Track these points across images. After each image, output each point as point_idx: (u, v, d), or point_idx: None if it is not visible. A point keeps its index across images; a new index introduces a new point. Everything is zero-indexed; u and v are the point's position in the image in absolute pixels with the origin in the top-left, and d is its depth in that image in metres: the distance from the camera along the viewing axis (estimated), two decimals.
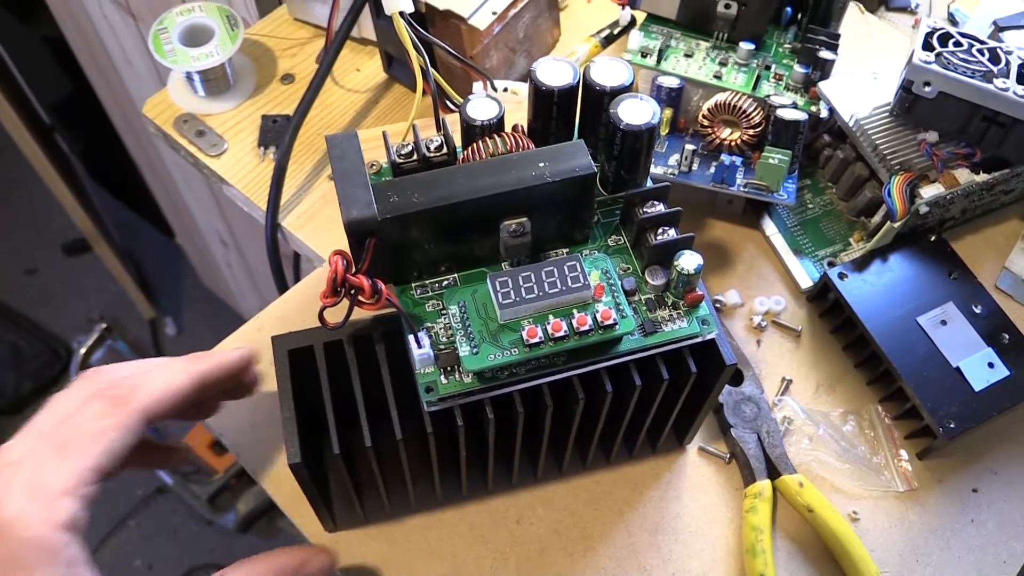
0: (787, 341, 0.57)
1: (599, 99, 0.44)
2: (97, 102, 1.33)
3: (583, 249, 0.44)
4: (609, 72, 0.44)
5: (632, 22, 0.71)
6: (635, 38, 0.62)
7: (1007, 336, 0.54)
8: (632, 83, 0.44)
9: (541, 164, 0.40)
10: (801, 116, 0.56)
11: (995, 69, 0.53)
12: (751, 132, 0.57)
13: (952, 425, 0.51)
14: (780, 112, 0.57)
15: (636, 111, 0.42)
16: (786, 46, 0.63)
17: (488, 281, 0.40)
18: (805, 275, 0.59)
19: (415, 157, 0.43)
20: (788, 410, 0.54)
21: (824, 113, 0.59)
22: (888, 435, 0.54)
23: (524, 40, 0.66)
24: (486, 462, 0.47)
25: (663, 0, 0.63)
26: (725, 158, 0.56)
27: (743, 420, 0.53)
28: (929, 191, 0.55)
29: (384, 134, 0.43)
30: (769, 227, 0.61)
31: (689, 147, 0.57)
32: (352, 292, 0.38)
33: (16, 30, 1.38)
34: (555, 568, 0.49)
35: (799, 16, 0.64)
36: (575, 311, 0.40)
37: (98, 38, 1.07)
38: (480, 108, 0.43)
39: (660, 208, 0.43)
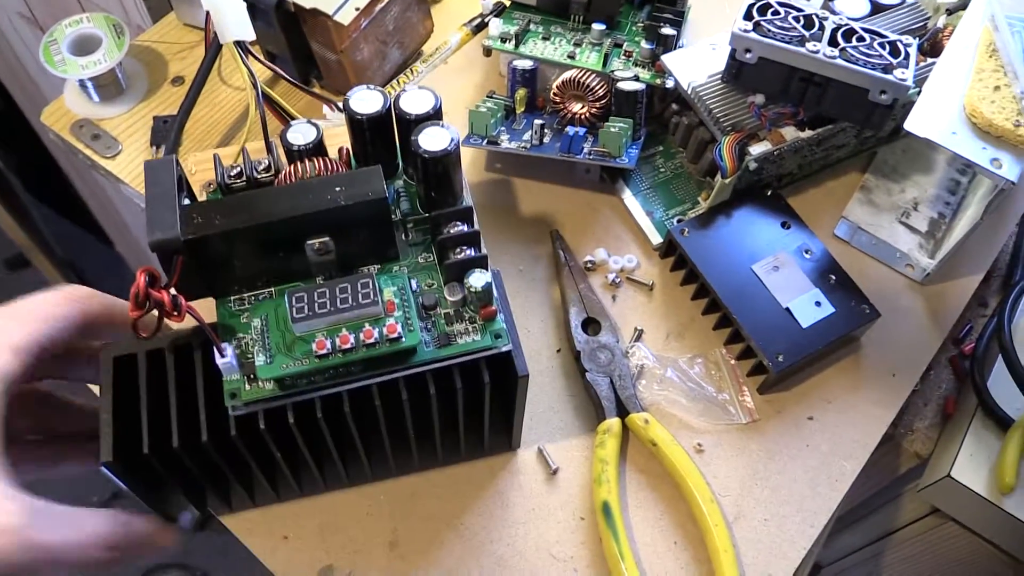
0: (640, 295, 0.62)
1: (408, 126, 0.47)
2: (25, 117, 1.36)
3: (394, 265, 0.47)
4: (417, 101, 0.47)
5: (502, 9, 0.76)
6: (495, 25, 0.67)
7: (833, 277, 0.60)
8: (438, 109, 0.47)
9: (337, 188, 0.42)
10: (638, 87, 0.62)
11: (807, 34, 0.58)
12: (597, 105, 0.62)
13: (781, 359, 0.56)
14: (620, 84, 0.62)
15: (436, 138, 0.45)
16: (639, 24, 0.68)
17: (285, 297, 0.43)
18: (656, 233, 0.64)
19: (243, 178, 0.46)
20: (640, 356, 0.59)
21: (670, 84, 0.65)
22: (732, 374, 0.59)
23: (395, 32, 0.70)
24: (330, 458, 0.51)
25: None
26: (570, 129, 0.61)
27: (598, 365, 0.58)
28: (757, 148, 0.60)
29: (215, 157, 0.47)
30: (625, 192, 0.66)
31: (538, 122, 0.62)
32: (159, 306, 0.41)
33: None
34: (428, 510, 0.54)
35: None
36: (366, 324, 0.43)
37: (13, 52, 1.10)
38: (298, 133, 0.46)
39: (463, 228, 0.46)
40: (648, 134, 0.66)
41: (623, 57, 0.66)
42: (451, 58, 0.73)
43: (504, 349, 0.45)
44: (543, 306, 0.62)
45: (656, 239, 0.63)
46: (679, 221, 0.63)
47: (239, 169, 0.47)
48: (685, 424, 0.57)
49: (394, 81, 0.72)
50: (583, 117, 0.63)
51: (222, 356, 0.42)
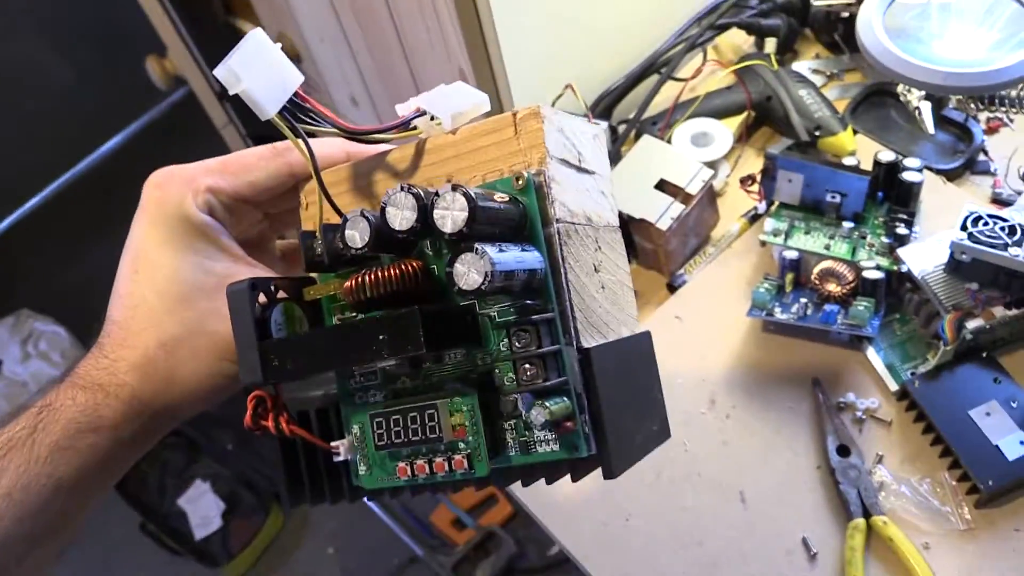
0: (881, 429, 0.84)
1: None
2: None
3: (479, 355, 0.43)
4: (448, 215, 0.39)
5: (770, 204, 1.02)
6: (769, 223, 0.93)
7: None
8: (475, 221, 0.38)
9: (381, 338, 0.39)
10: (880, 275, 0.84)
11: (1010, 241, 0.79)
12: (848, 287, 0.86)
13: (990, 483, 0.76)
14: (865, 273, 0.85)
15: (472, 268, 0.37)
16: (880, 219, 0.91)
17: (367, 419, 0.44)
18: (893, 382, 0.85)
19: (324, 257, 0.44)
20: (880, 475, 0.81)
21: (904, 269, 0.87)
22: (953, 492, 0.79)
23: (694, 226, 0.97)
24: None
25: (787, 194, 0.93)
26: (827, 306, 0.85)
27: (848, 480, 0.80)
28: (973, 324, 0.81)
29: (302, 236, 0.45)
30: (868, 349, 0.88)
31: (803, 300, 0.87)
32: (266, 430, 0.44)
33: None
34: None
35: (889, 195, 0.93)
36: (435, 457, 0.42)
37: None
38: (354, 233, 0.40)
39: (550, 382, 0.40)
40: (887, 306, 0.88)
41: (867, 248, 0.89)
42: (733, 242, 0.99)
43: (584, 456, 0.39)
44: (806, 433, 0.85)
45: (893, 386, 0.85)
46: (912, 374, 0.85)
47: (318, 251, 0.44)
48: (915, 527, 0.78)
49: (690, 262, 0.99)
50: (836, 296, 0.86)
51: (337, 455, 0.45)
